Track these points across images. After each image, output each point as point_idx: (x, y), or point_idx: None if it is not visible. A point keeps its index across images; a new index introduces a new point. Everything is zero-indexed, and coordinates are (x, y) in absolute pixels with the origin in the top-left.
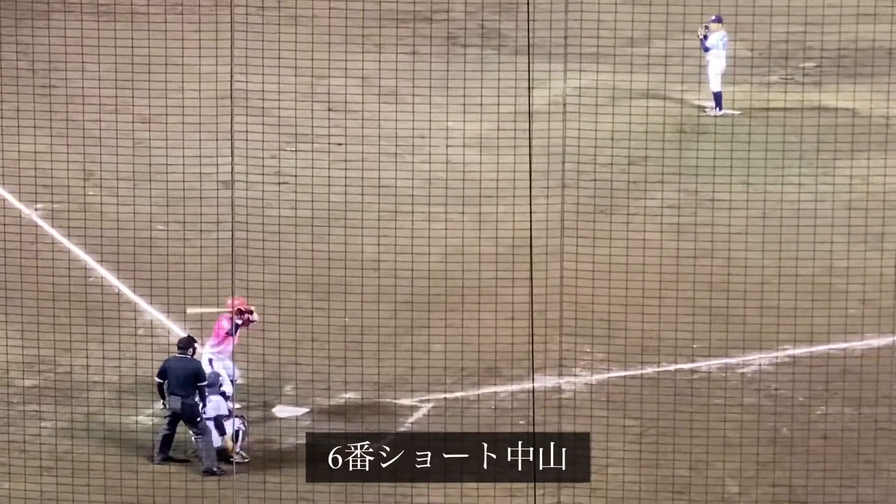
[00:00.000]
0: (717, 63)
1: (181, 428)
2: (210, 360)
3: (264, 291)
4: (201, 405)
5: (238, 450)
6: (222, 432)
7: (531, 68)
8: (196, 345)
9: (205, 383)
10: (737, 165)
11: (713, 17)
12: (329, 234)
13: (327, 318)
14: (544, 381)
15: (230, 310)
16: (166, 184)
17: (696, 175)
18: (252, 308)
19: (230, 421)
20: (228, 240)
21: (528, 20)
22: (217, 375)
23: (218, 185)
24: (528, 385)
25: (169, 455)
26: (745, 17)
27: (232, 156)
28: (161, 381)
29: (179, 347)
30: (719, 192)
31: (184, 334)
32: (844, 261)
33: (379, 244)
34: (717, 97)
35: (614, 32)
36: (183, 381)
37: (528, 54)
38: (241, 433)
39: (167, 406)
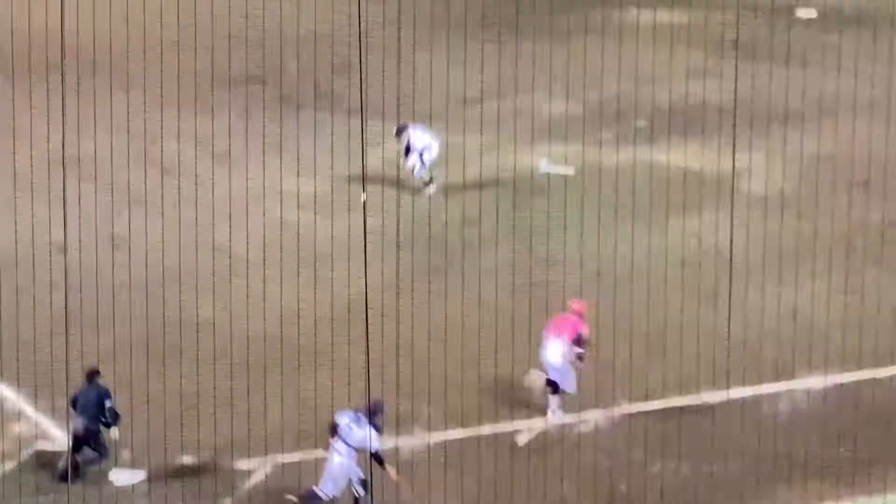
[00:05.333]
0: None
1: None
2: (563, 356)
3: (99, 356)
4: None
5: None
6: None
7: (364, 129)
8: (100, 376)
9: (111, 405)
10: (571, 224)
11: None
12: (164, 298)
13: (163, 382)
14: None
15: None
16: None
17: (531, 234)
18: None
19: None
20: (62, 305)
21: (361, 80)
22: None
23: (51, 250)
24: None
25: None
26: (576, 75)
27: (65, 220)
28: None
29: (88, 376)
30: (554, 251)
31: (10, 396)
32: (679, 317)
33: (214, 307)
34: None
35: (447, 93)
36: (90, 405)
37: (362, 115)
38: None
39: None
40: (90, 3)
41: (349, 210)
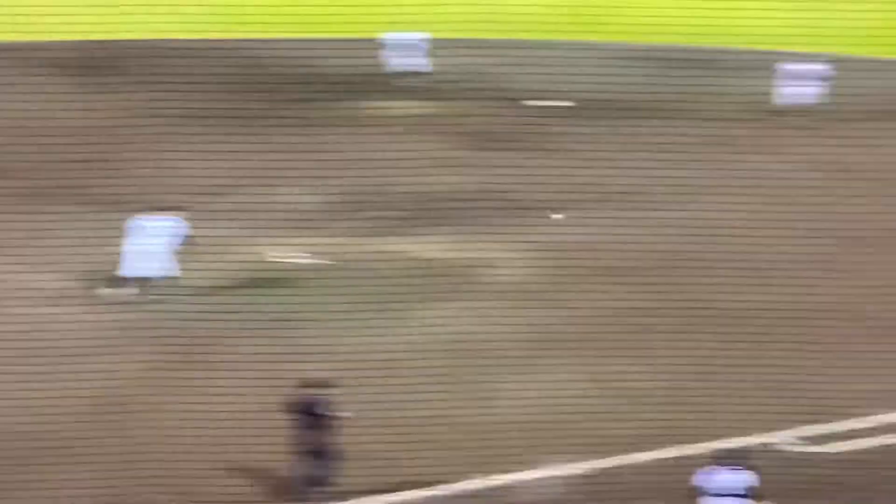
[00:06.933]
0: None
1: None
2: None
3: None
4: None
5: None
6: None
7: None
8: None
9: None
10: (316, 315)
11: None
12: None
13: None
14: None
15: None
16: None
17: (281, 325)
18: None
19: None
20: None
21: (110, 173)
22: None
23: None
24: None
25: None
26: (327, 165)
27: None
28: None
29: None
30: (303, 342)
31: None
32: (433, 406)
33: None
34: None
35: (195, 184)
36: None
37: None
38: None
39: None
40: None
41: (96, 304)
